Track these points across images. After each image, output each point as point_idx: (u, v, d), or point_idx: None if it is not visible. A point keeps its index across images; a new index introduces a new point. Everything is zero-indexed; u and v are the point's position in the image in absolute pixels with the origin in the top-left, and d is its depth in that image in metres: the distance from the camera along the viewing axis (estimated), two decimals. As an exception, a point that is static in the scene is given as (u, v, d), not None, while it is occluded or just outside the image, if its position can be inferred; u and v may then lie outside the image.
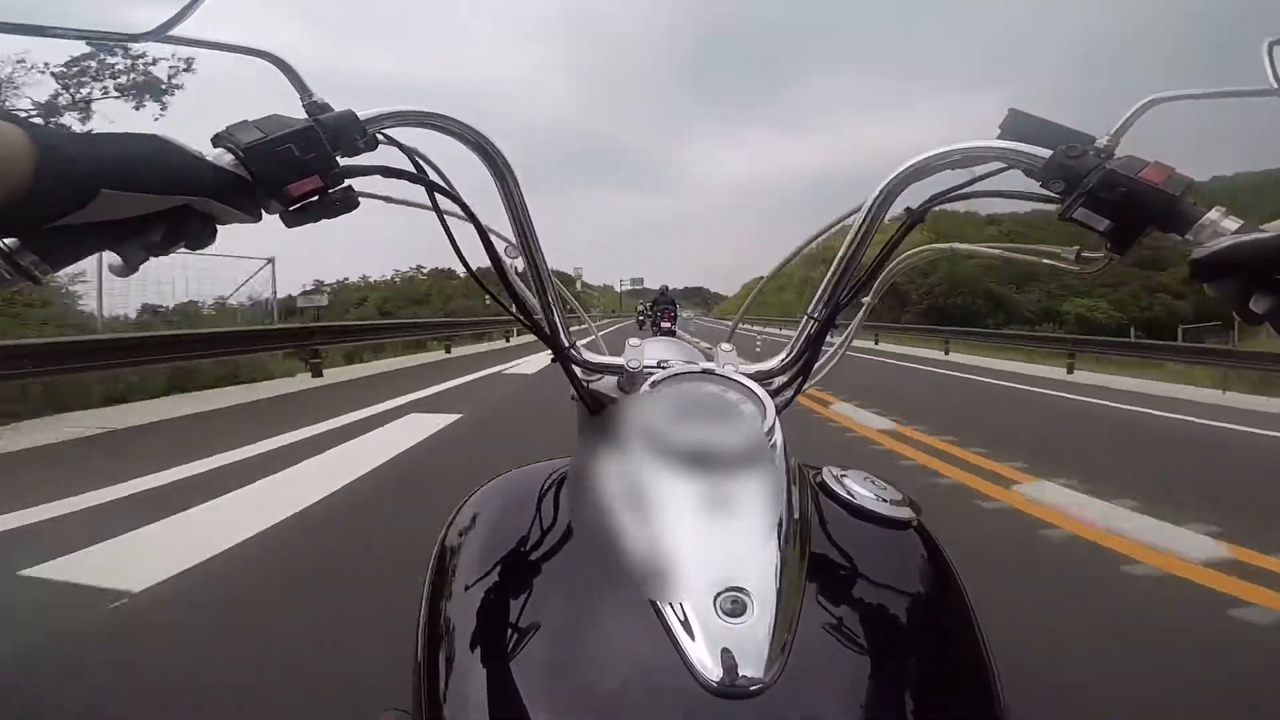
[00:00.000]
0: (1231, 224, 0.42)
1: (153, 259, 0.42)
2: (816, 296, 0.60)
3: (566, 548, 0.45)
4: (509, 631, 0.40)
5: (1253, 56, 0.46)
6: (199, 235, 0.42)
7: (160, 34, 0.43)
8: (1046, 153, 0.48)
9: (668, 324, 18.47)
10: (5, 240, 0.36)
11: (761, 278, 0.84)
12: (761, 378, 0.60)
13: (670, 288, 22.25)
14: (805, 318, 0.60)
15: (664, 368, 0.58)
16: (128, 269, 0.41)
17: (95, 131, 0.37)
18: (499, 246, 0.59)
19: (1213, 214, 0.43)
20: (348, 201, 0.46)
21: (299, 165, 0.43)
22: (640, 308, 39.60)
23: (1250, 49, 0.46)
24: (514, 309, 0.59)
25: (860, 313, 0.63)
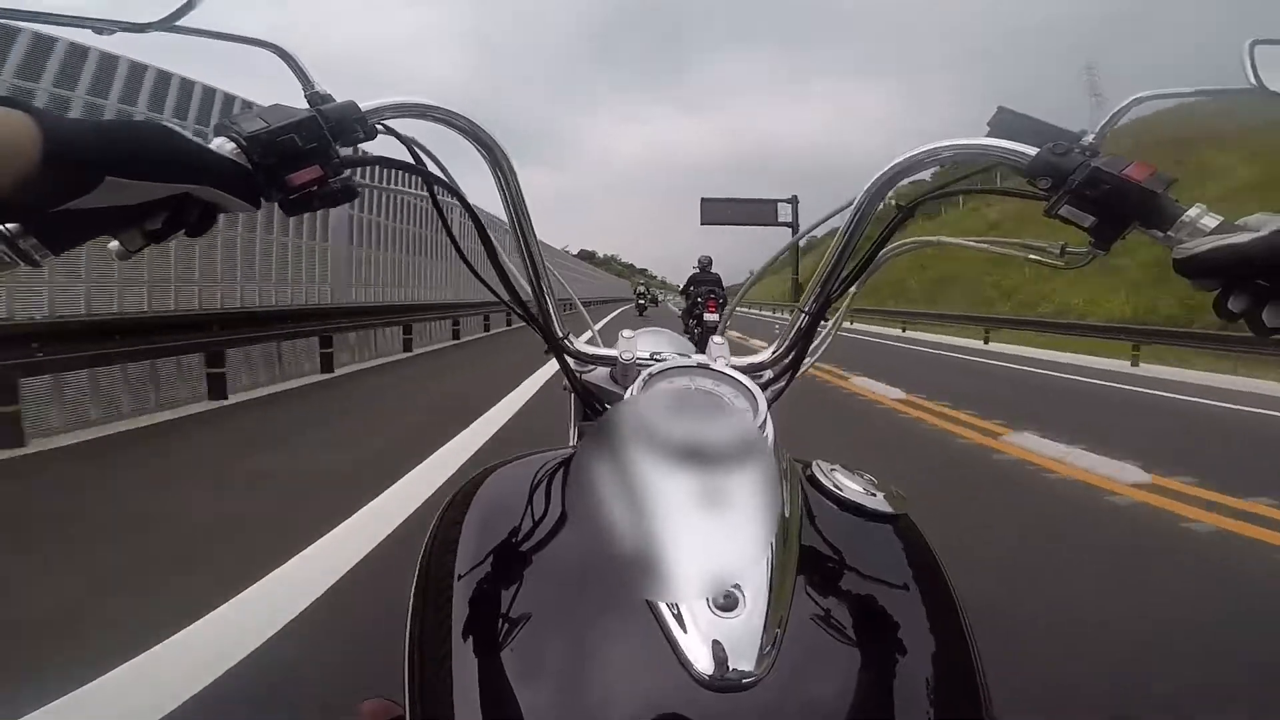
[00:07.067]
0: (1211, 221, 0.43)
1: None
2: (808, 291, 0.61)
3: (559, 539, 0.45)
4: (500, 621, 0.40)
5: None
6: (199, 222, 0.43)
7: (167, 24, 0.44)
8: (1033, 150, 0.49)
9: (713, 315, 8.98)
10: (6, 224, 0.36)
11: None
12: (753, 370, 0.61)
13: (711, 261, 9.83)
14: (797, 311, 0.61)
15: (657, 360, 0.58)
16: (127, 254, 0.42)
17: (101, 118, 0.37)
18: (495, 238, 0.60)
19: (1193, 211, 0.44)
20: (347, 191, 0.47)
21: (300, 155, 0.44)
22: (640, 290, 32.93)
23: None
24: (508, 299, 0.60)
25: (846, 302, 0.63)
